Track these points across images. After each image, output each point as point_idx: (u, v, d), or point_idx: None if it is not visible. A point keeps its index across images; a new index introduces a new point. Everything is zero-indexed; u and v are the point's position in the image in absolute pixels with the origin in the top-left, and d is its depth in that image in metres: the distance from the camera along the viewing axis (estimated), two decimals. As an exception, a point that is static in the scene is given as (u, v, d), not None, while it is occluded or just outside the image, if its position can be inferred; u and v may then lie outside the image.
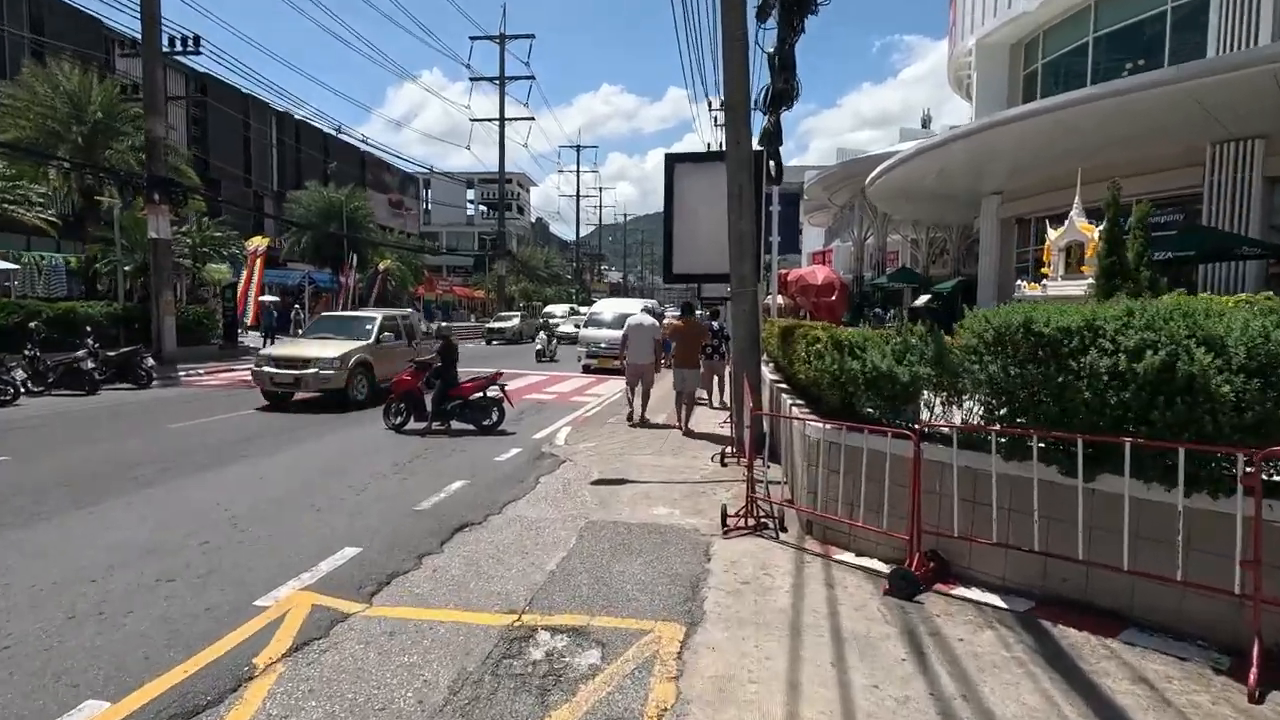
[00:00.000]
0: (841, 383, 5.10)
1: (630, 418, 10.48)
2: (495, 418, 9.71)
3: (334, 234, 30.63)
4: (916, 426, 4.42)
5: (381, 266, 31.30)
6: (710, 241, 9.19)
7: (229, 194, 40.91)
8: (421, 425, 9.52)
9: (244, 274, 22.97)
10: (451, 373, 9.73)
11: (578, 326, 28.31)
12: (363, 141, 23.66)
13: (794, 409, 5.94)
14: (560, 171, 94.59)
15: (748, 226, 8.12)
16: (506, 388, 10.17)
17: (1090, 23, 17.07)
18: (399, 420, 9.65)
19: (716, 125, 36.38)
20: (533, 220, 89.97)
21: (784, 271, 41.68)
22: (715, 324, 12.21)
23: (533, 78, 40.44)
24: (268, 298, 27.57)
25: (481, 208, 77.01)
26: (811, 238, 65.45)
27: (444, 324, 10.42)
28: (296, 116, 42.66)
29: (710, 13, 77.02)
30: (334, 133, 25.79)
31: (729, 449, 7.93)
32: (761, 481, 5.71)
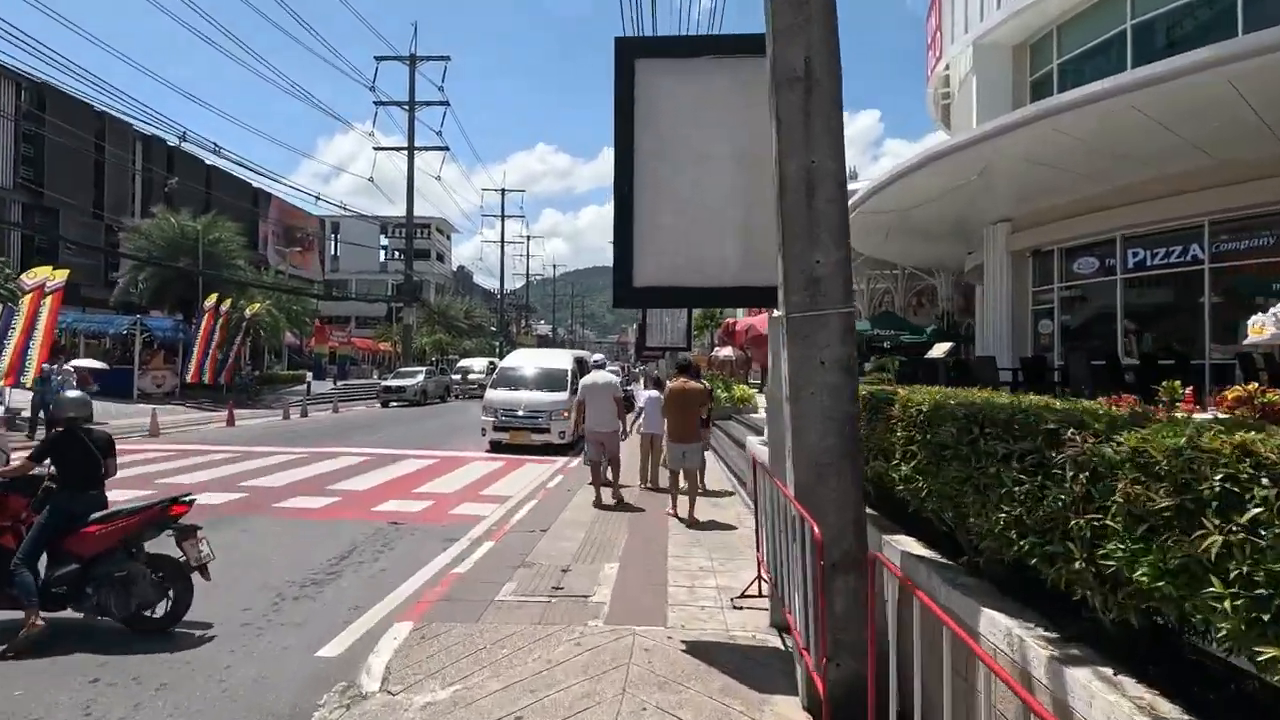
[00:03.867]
0: None
1: (598, 502, 8.24)
2: (165, 607, 4.31)
3: (186, 271, 24.40)
4: None
5: (248, 312, 25.12)
6: (710, 218, 4.45)
7: (72, 227, 33.93)
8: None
9: (19, 319, 16.62)
10: (77, 498, 4.29)
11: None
12: (215, 150, 17.92)
13: None
14: (484, 216, 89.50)
15: (824, 159, 3.36)
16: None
17: (1126, 7, 13.87)
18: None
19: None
20: (454, 268, 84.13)
21: (731, 320, 37.84)
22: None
23: (446, 103, 35.84)
24: (89, 363, 20.84)
25: (399, 253, 70.79)
26: (748, 288, 62.80)
27: (66, 391, 4.67)
28: (171, 142, 36.21)
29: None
30: (177, 142, 19.92)
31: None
32: None
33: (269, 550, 6.33)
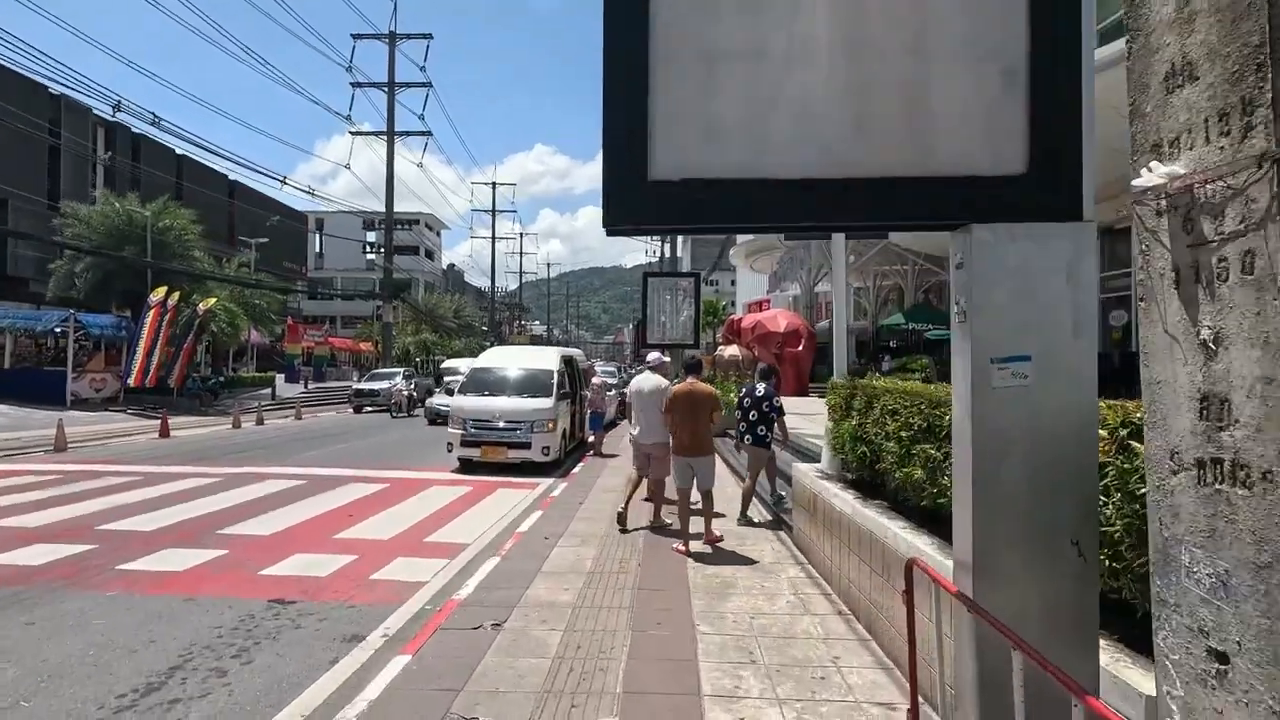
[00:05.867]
0: None
1: (655, 521, 7.03)
2: None
3: (133, 262, 21.82)
4: None
5: (202, 307, 22.54)
6: (812, 45, 1.89)
7: (24, 218, 31.26)
8: None
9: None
10: None
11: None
12: (154, 121, 15.28)
13: None
14: (475, 211, 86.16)
15: None
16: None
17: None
18: None
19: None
20: (445, 266, 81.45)
21: (735, 317, 35.39)
22: (761, 387, 7.28)
23: (429, 84, 33.24)
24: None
25: (384, 249, 67.95)
26: (748, 285, 60.20)
27: None
28: (136, 130, 33.45)
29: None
30: (109, 114, 17.18)
31: None
32: None
33: (34, 671, 3.82)
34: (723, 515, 7.14)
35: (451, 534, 7.14)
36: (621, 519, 6.99)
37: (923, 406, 3.69)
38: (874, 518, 4.09)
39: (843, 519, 4.70)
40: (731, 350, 28.18)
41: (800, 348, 27.65)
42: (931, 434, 3.56)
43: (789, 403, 16.68)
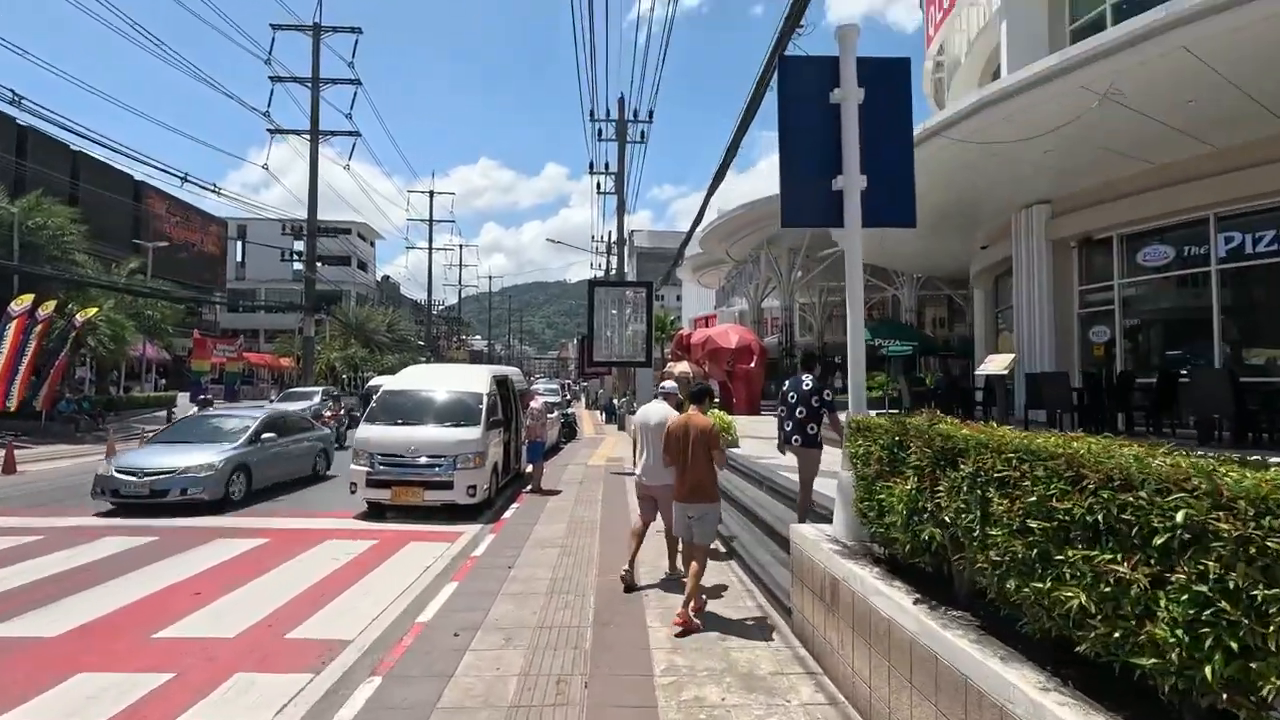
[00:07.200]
0: None
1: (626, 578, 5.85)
2: None
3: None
4: None
5: (79, 318, 19.58)
6: None
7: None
8: None
9: None
10: None
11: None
12: (15, 101, 12.61)
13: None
14: (411, 221, 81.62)
15: None
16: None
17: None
18: None
19: (600, 192, 29.22)
20: (379, 278, 77.70)
21: (684, 332, 34.02)
22: (808, 378, 5.88)
23: (357, 82, 30.84)
24: None
25: (319, 260, 63.92)
26: (694, 300, 59.29)
27: None
28: (22, 123, 29.71)
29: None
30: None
31: None
32: None
33: None
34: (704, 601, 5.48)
35: (329, 622, 5.23)
36: (626, 581, 5.83)
37: (1088, 483, 2.12)
38: (973, 656, 2.49)
39: (894, 631, 3.10)
40: (682, 367, 26.71)
41: (752, 364, 26.46)
42: (1113, 535, 1.99)
43: (741, 423, 15.13)
